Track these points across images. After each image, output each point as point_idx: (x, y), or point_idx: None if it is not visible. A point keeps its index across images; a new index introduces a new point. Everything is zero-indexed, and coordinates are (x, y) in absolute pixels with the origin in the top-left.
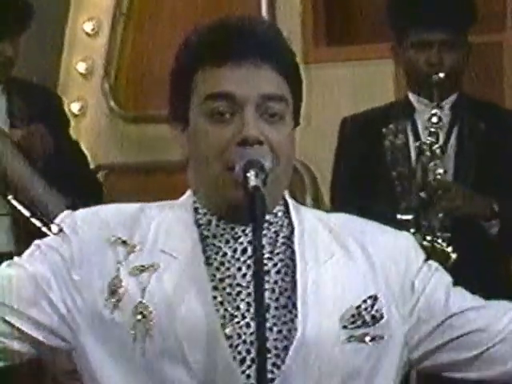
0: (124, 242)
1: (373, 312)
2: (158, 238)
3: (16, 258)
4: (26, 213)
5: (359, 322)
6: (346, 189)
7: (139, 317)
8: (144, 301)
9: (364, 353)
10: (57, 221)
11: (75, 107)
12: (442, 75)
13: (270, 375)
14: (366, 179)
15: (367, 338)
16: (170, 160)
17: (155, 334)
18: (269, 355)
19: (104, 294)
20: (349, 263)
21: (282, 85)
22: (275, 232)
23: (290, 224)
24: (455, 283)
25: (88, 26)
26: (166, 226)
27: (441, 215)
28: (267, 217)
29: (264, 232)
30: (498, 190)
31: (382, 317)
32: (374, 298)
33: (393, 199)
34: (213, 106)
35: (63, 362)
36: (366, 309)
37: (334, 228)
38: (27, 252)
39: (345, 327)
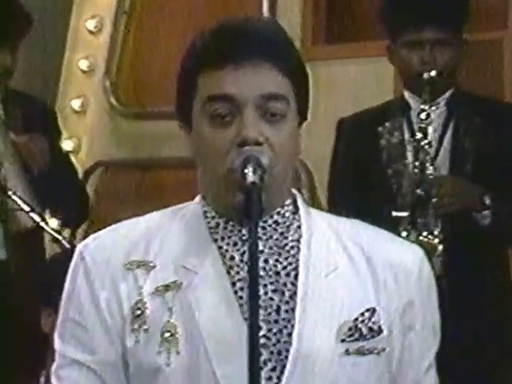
0: (140, 264)
1: (370, 324)
2: (176, 253)
3: (64, 355)
4: (26, 208)
5: (357, 335)
6: (343, 189)
7: (167, 335)
8: (172, 320)
9: (365, 366)
10: (75, 256)
11: (76, 104)
12: (433, 73)
13: (275, 380)
14: (363, 179)
15: (366, 351)
16: (169, 157)
17: (182, 351)
18: (280, 357)
19: (127, 319)
20: (352, 275)
21: (284, 84)
22: (282, 233)
23: (300, 227)
24: (449, 278)
25: (91, 24)
26: (182, 239)
27: (433, 211)
28: (275, 217)
29: (270, 234)
30: (494, 184)
31: (380, 329)
32: (372, 311)
33: (389, 197)
34: (213, 108)
35: None
36: (362, 321)
37: (342, 236)
38: (68, 341)
39: (343, 340)
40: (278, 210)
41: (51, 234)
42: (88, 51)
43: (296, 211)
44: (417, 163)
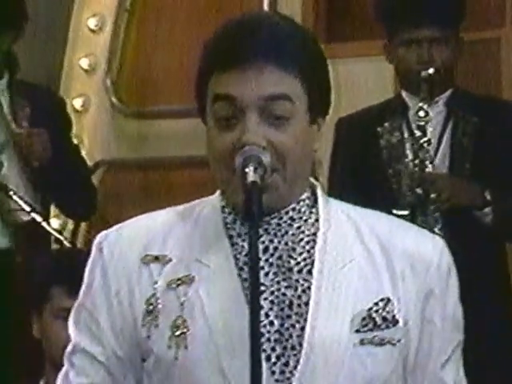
0: (156, 258)
1: (384, 314)
2: (191, 247)
3: (76, 342)
4: (27, 208)
5: (371, 325)
6: (342, 189)
7: (176, 330)
8: (182, 315)
9: (381, 356)
10: (94, 246)
11: (77, 103)
12: (431, 71)
13: (288, 375)
14: (363, 178)
15: (382, 342)
16: (171, 156)
17: (190, 346)
18: (294, 352)
19: (140, 314)
20: (367, 266)
21: (290, 83)
22: (299, 228)
23: (318, 220)
24: None
25: (92, 23)
26: (198, 233)
27: (432, 207)
28: (290, 213)
29: (286, 230)
30: (493, 183)
31: (395, 320)
32: (387, 301)
33: (389, 196)
34: (218, 109)
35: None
36: (377, 311)
37: (360, 227)
38: (81, 329)
39: (357, 331)
40: (294, 206)
41: (53, 234)
42: (89, 50)
43: (315, 203)
44: (417, 162)
